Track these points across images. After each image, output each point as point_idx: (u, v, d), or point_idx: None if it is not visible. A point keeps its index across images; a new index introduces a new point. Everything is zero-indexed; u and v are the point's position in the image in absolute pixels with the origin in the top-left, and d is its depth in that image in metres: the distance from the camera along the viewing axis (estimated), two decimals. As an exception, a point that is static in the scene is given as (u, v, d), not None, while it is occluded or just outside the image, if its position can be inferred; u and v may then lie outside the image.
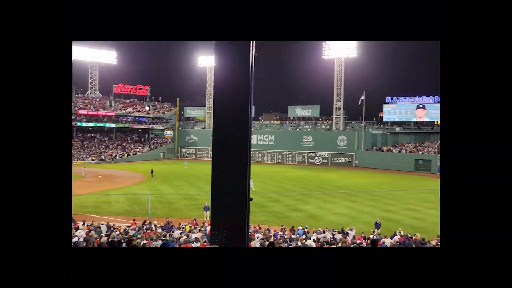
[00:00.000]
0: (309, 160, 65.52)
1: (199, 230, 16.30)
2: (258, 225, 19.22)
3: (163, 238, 12.89)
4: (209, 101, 73.72)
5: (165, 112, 79.53)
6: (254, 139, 66.86)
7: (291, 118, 74.82)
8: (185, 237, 13.25)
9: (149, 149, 73.24)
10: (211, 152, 9.38)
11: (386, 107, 63.25)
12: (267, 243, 10.83)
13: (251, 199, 7.67)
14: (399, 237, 16.91)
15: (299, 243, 13.73)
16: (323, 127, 70.46)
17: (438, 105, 58.96)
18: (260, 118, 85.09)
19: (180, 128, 78.23)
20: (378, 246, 11.06)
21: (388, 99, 63.17)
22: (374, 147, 63.73)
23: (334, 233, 17.28)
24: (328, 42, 65.52)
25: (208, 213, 21.87)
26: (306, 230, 18.06)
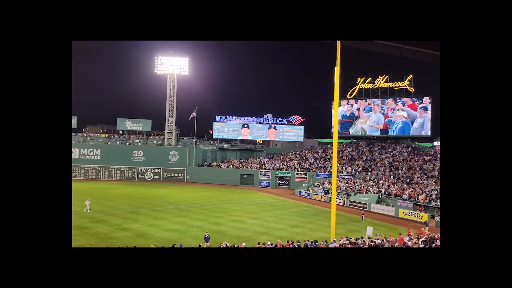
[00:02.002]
0: (140, 176, 62.87)
1: None
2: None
3: None
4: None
5: None
6: (75, 153, 59.89)
7: (120, 131, 70.58)
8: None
9: None
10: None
11: (216, 125, 66.94)
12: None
13: None
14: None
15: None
16: (155, 142, 69.07)
17: (260, 125, 66.22)
18: (84, 130, 77.09)
19: None
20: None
21: (218, 117, 67.11)
22: (205, 163, 66.28)
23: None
24: (160, 57, 65.32)
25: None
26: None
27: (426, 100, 54.37)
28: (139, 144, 66.60)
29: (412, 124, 55.51)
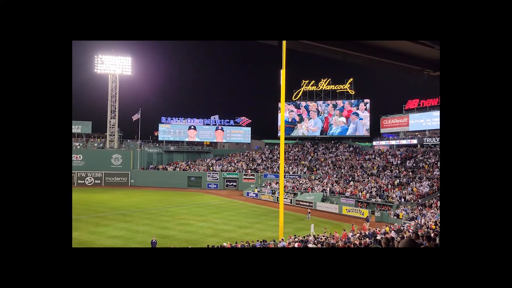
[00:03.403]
0: (79, 181, 59.27)
1: None
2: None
3: None
4: None
5: None
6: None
7: (57, 134, 65.99)
8: None
9: None
10: None
11: (161, 127, 65.16)
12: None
13: None
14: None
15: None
16: (96, 145, 65.56)
17: (207, 126, 65.62)
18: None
19: None
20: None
21: (163, 119, 65.41)
22: (150, 166, 64.19)
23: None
24: (100, 56, 62.26)
25: None
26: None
27: (362, 107, 58.19)
28: (78, 147, 62.81)
29: (348, 127, 59.63)
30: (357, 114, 58.77)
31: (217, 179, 58.79)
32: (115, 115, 64.30)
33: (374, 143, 58.71)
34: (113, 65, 62.99)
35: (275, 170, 56.62)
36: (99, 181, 59.92)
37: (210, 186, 58.55)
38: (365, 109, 58.39)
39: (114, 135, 64.31)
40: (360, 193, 39.85)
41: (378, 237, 17.38)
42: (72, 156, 59.92)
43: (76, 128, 62.70)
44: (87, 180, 59.66)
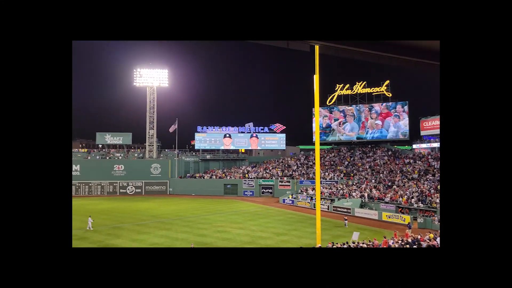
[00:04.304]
0: (121, 190, 61.69)
1: None
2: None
3: None
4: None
5: None
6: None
7: (100, 145, 69.24)
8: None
9: None
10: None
11: (197, 136, 66.55)
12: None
13: None
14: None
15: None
16: (136, 155, 68.06)
17: (242, 134, 66.24)
18: (62, 145, 75.15)
19: None
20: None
21: (199, 128, 66.78)
22: (188, 174, 65.62)
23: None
24: (139, 69, 64.83)
25: None
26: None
27: (399, 109, 56.19)
28: (120, 158, 65.46)
29: (385, 131, 57.40)
30: (395, 117, 56.93)
31: (253, 186, 59.01)
32: (153, 126, 66.50)
33: (414, 146, 56.54)
34: (151, 77, 65.35)
35: (311, 176, 56.00)
36: (139, 190, 62.00)
37: (246, 193, 58.88)
38: (403, 111, 56.54)
39: (153, 145, 66.46)
40: (400, 199, 38.47)
41: (424, 245, 16.64)
42: (114, 166, 62.59)
43: (118, 139, 65.43)
44: (128, 189, 61.91)
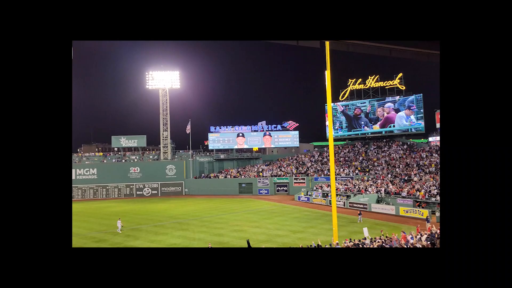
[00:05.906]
0: (138, 192, 62.56)
1: None
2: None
3: None
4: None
5: None
6: (72, 174, 59.46)
7: (116, 149, 70.35)
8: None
9: None
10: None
11: (211, 136, 66.94)
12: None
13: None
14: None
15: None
16: (151, 157, 68.89)
17: (255, 133, 66.33)
18: (78, 150, 76.73)
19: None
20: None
21: (212, 128, 67.15)
22: (202, 174, 66.09)
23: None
24: (151, 72, 65.53)
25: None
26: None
27: (414, 101, 55.31)
28: (135, 160, 66.37)
29: (400, 124, 56.36)
30: (410, 110, 56.07)
31: (268, 184, 59.04)
32: (167, 128, 67.17)
33: (430, 139, 55.61)
34: (163, 80, 66.01)
35: (325, 173, 55.69)
36: (156, 192, 62.76)
37: (261, 191, 58.95)
38: (418, 104, 55.65)
39: (167, 146, 67.14)
40: (418, 193, 37.92)
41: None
42: (130, 169, 63.47)
43: (133, 142, 66.33)
44: (144, 191, 62.72)
